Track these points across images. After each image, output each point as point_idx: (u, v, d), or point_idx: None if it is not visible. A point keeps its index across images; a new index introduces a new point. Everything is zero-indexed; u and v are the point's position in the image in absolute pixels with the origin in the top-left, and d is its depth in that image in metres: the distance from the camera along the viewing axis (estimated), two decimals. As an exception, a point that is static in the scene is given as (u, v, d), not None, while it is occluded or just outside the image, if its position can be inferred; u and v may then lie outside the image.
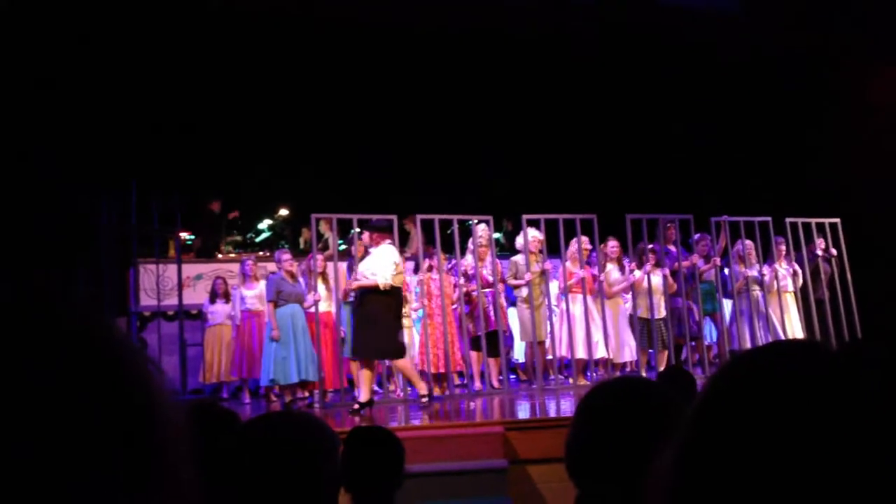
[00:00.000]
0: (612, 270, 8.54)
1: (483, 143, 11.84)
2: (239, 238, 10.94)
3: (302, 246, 10.66)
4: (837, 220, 9.45)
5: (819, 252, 9.29)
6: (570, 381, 8.31)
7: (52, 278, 0.54)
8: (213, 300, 9.01)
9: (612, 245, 8.60)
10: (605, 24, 10.61)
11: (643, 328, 8.38)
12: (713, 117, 11.65)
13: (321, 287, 7.69)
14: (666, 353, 8.42)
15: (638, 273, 8.41)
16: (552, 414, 6.25)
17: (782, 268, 9.06)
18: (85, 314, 0.52)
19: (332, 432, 1.80)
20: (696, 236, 8.86)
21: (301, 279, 7.73)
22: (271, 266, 8.83)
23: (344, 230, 8.71)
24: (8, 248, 8.13)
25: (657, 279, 8.46)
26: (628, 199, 9.63)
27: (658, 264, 8.55)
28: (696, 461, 0.64)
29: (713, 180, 11.29)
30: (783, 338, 8.75)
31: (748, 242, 8.89)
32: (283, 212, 11.55)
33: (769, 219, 9.06)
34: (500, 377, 8.26)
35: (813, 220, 9.35)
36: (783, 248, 9.09)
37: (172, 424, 0.55)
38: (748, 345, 8.69)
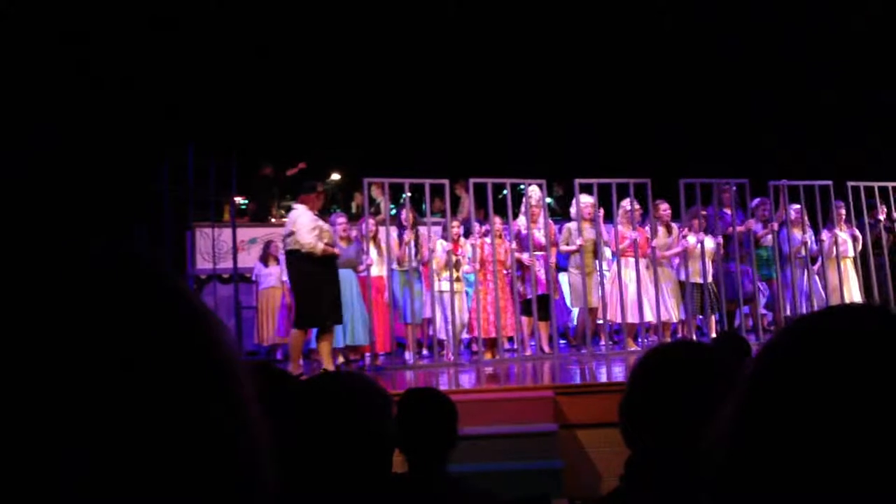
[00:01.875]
0: (661, 234, 8.43)
1: (535, 107, 11.73)
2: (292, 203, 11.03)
3: (354, 210, 10.73)
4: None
5: (881, 217, 9.03)
6: (621, 346, 8.26)
7: (121, 242, 0.56)
8: (265, 263, 9.16)
9: (664, 208, 8.48)
10: None
11: (692, 292, 8.29)
12: (771, 81, 11.38)
13: (373, 251, 7.75)
14: (713, 317, 8.32)
15: (692, 239, 8.28)
16: (602, 379, 6.24)
17: (842, 233, 8.85)
18: (174, 277, 0.55)
19: (385, 392, 1.82)
20: (756, 201, 8.69)
21: (355, 243, 7.76)
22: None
23: (395, 195, 8.76)
24: (74, 212, 8.35)
25: (709, 244, 8.33)
26: (683, 163, 9.48)
27: (708, 230, 8.41)
28: (754, 423, 0.64)
29: (774, 144, 11.05)
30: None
31: (796, 207, 8.68)
32: (336, 176, 11.63)
33: (830, 183, 8.84)
34: (551, 342, 8.25)
35: (876, 184, 9.08)
36: (843, 212, 8.86)
37: (248, 382, 0.58)
38: (803, 311, 8.54)
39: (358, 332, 7.41)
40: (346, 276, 7.36)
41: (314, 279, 6.66)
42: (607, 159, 10.20)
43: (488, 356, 7.84)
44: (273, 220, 10.48)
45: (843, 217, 8.87)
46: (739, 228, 8.51)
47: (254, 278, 9.35)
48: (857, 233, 8.90)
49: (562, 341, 8.89)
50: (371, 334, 7.43)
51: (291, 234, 6.68)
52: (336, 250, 6.91)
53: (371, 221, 7.86)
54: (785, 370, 0.63)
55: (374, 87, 11.38)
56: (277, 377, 2.59)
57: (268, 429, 0.59)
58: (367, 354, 7.62)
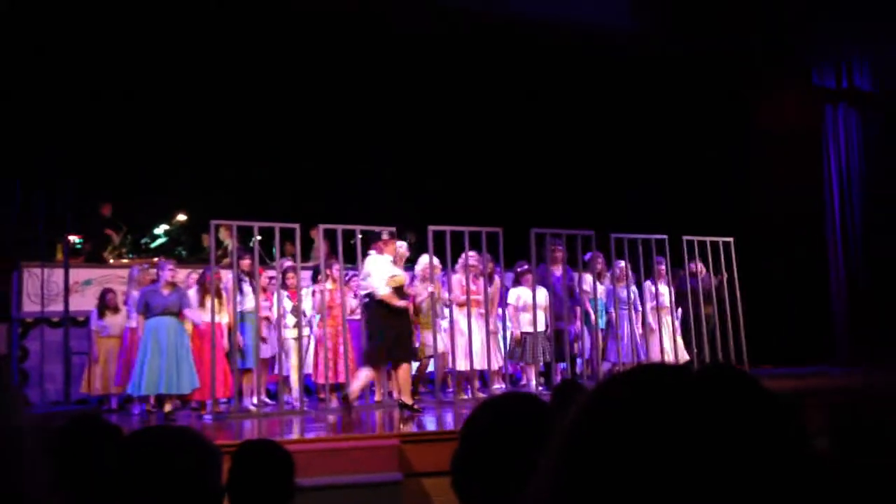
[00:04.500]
0: (495, 285, 8.65)
1: (388, 153, 11.80)
2: (120, 244, 10.43)
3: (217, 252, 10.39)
4: (731, 238, 9.81)
5: (696, 272, 9.63)
6: (469, 393, 8.34)
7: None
8: (101, 314, 8.64)
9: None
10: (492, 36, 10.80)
11: (523, 342, 8.54)
12: (611, 133, 11.98)
13: (217, 297, 7.54)
14: (537, 367, 8.62)
15: (524, 290, 8.57)
16: (448, 427, 6.26)
17: (662, 287, 9.38)
18: None
19: (212, 445, 1.74)
20: (588, 255, 9.06)
21: (176, 291, 7.52)
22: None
23: (244, 238, 8.55)
24: None
25: (540, 294, 8.61)
26: (536, 213, 9.78)
27: (538, 281, 8.72)
28: (563, 481, 0.64)
29: (614, 197, 11.59)
30: (661, 356, 9.08)
31: (621, 263, 9.14)
32: (181, 217, 11.23)
33: (665, 237, 9.36)
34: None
35: (708, 239, 9.68)
36: (663, 267, 9.41)
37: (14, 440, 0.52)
38: (630, 360, 9.00)
39: (181, 379, 7.20)
40: (166, 324, 7.24)
41: (385, 321, 7.07)
42: (463, 208, 10.38)
43: (334, 403, 7.73)
44: (111, 261, 9.95)
45: (663, 272, 9.41)
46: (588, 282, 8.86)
47: (92, 327, 8.81)
48: (680, 286, 9.50)
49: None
50: (195, 381, 7.26)
51: (367, 277, 7.20)
52: (401, 303, 7.22)
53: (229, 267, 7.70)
54: (580, 435, 0.64)
55: (224, 125, 11.10)
56: (102, 431, 2.45)
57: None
58: (208, 402, 7.34)
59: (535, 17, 10.64)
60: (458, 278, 8.36)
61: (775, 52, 11.83)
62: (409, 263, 9.41)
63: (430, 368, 8.75)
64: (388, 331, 7.06)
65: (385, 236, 7.36)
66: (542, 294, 8.67)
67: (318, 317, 8.05)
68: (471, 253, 8.32)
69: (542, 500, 0.65)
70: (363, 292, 7.37)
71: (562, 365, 8.66)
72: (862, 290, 12.20)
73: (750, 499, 0.57)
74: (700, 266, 9.64)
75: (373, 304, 7.12)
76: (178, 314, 7.36)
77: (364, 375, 7.29)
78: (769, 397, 0.64)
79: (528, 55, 11.18)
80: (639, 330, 9.26)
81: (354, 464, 5.29)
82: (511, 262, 9.14)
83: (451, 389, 8.36)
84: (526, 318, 8.55)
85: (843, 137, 12.57)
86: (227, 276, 7.78)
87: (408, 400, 7.13)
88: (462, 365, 8.18)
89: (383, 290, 7.04)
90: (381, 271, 7.11)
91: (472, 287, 8.29)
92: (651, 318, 9.30)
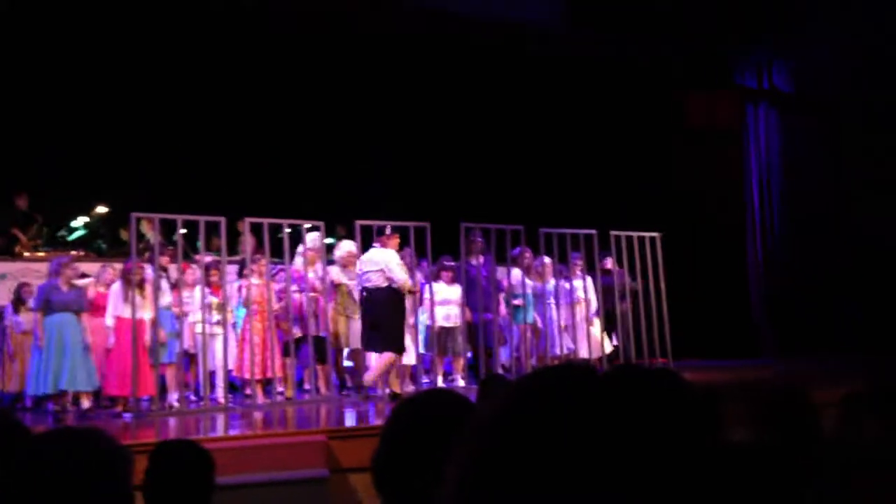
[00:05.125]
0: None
1: (317, 147, 11.66)
2: (35, 235, 10.03)
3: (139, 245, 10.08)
4: (657, 234, 9.98)
5: (609, 267, 9.78)
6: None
7: None
8: (16, 309, 8.34)
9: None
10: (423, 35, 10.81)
11: (442, 335, 8.58)
12: (542, 130, 12.09)
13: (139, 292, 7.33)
14: (462, 360, 8.68)
15: (441, 285, 8.63)
16: (374, 422, 6.23)
17: (578, 282, 9.49)
18: None
19: (121, 447, 1.67)
20: (517, 249, 9.11)
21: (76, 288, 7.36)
22: (85, 266, 8.31)
23: (168, 231, 8.33)
24: None
25: (454, 290, 8.69)
26: (466, 207, 9.80)
27: (455, 277, 8.77)
28: (472, 480, 0.62)
29: (545, 191, 11.68)
30: (584, 351, 9.22)
31: (546, 259, 9.23)
32: (101, 209, 10.89)
33: (594, 231, 9.46)
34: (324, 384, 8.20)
35: (635, 234, 9.83)
36: (579, 263, 9.50)
37: None
38: (556, 353, 9.10)
39: (79, 377, 7.07)
40: (65, 321, 7.13)
41: (397, 309, 7.56)
42: (393, 201, 10.34)
43: (260, 399, 7.62)
44: (27, 254, 9.58)
45: (580, 267, 9.49)
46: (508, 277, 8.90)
47: (6, 322, 8.48)
48: (598, 282, 9.62)
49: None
50: (94, 380, 7.15)
51: (379, 271, 7.50)
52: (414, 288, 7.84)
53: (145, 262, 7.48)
54: (489, 432, 0.63)
55: (147, 114, 10.79)
56: (10, 429, 2.34)
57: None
58: (130, 399, 7.13)
59: (468, 14, 10.66)
60: None
61: (700, 53, 12.12)
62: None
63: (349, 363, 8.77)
64: (398, 318, 7.58)
65: (388, 231, 7.80)
66: (458, 289, 8.73)
67: (243, 312, 7.91)
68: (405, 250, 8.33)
69: (451, 496, 0.65)
70: (366, 283, 7.61)
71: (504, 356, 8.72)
72: (780, 285, 12.58)
73: (654, 493, 0.57)
74: (617, 264, 9.78)
75: (383, 293, 7.50)
76: (78, 312, 7.22)
77: (385, 362, 7.54)
78: (674, 396, 0.65)
79: (460, 52, 11.19)
80: (565, 324, 9.35)
81: (280, 460, 5.21)
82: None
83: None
84: (442, 312, 8.57)
85: (763, 136, 12.95)
86: (150, 271, 7.55)
87: (376, 384, 7.63)
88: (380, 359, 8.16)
89: (404, 280, 7.53)
90: (398, 263, 7.57)
91: None
92: (571, 313, 9.39)
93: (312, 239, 8.19)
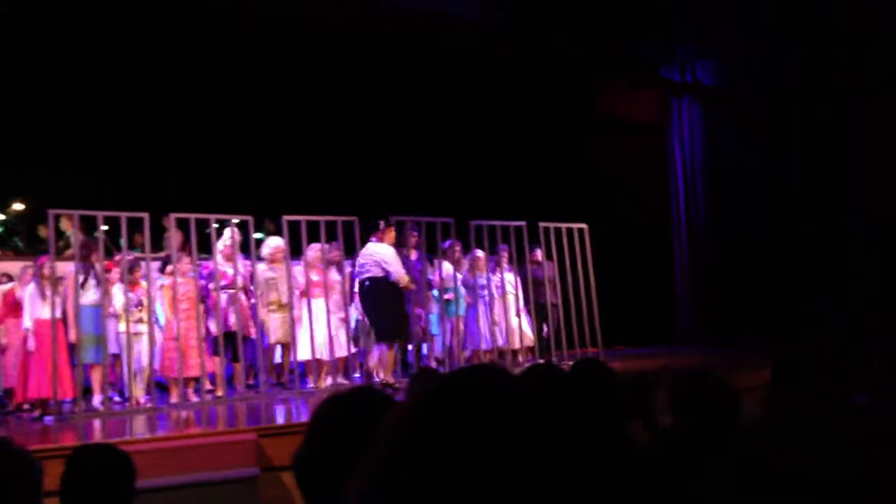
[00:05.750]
0: (333, 272, 8.59)
1: (244, 140, 11.46)
2: None
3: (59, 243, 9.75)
4: (585, 225, 10.11)
5: (539, 259, 9.89)
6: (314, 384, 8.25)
7: None
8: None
9: (335, 252, 8.62)
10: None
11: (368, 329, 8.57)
12: (474, 124, 12.13)
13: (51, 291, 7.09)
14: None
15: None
16: (306, 418, 6.15)
17: (507, 274, 9.55)
18: None
19: (27, 455, 1.60)
20: (447, 242, 9.13)
21: None
22: (2, 266, 8.03)
23: (88, 229, 8.07)
24: None
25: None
26: (395, 201, 9.76)
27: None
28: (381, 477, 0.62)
29: (474, 184, 11.73)
30: (511, 342, 9.30)
31: (477, 252, 9.27)
32: (18, 206, 10.50)
33: (524, 223, 9.54)
34: (252, 381, 8.11)
35: (563, 226, 9.94)
36: (505, 255, 9.54)
37: None
38: (490, 347, 9.17)
39: None
40: None
41: (397, 301, 7.84)
42: (321, 196, 10.23)
43: (189, 399, 7.48)
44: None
45: (506, 259, 9.55)
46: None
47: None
48: (526, 274, 9.70)
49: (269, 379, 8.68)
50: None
51: (376, 264, 7.76)
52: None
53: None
54: (404, 431, 0.62)
55: (68, 105, 10.42)
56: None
57: None
58: (51, 402, 6.90)
59: (387, 5, 10.61)
60: (299, 269, 8.29)
61: (625, 47, 12.31)
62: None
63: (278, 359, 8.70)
64: (400, 309, 7.90)
65: (383, 226, 8.00)
66: None
67: (166, 311, 7.74)
68: (315, 245, 8.26)
69: (362, 489, 0.64)
70: (365, 276, 7.84)
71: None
72: (702, 274, 12.90)
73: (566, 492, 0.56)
74: (545, 255, 9.89)
75: (381, 286, 7.76)
76: None
77: (387, 355, 7.85)
78: (588, 399, 0.65)
79: (388, 45, 11.13)
80: (496, 317, 9.40)
81: (209, 460, 5.11)
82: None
83: (310, 380, 8.26)
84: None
85: (687, 129, 13.23)
86: (65, 269, 7.32)
87: (390, 378, 7.77)
88: (309, 354, 8.09)
89: (401, 274, 7.75)
90: (394, 257, 7.82)
91: (315, 278, 8.22)
92: (503, 306, 9.44)
93: (228, 236, 8.09)
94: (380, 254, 7.84)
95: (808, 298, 10.66)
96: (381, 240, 7.98)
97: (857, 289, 10.99)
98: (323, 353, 8.10)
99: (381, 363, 7.90)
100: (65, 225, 8.72)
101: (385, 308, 7.81)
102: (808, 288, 11.27)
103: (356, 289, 8.29)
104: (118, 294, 7.58)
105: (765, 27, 12.10)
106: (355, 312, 8.58)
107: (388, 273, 7.75)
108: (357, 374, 8.60)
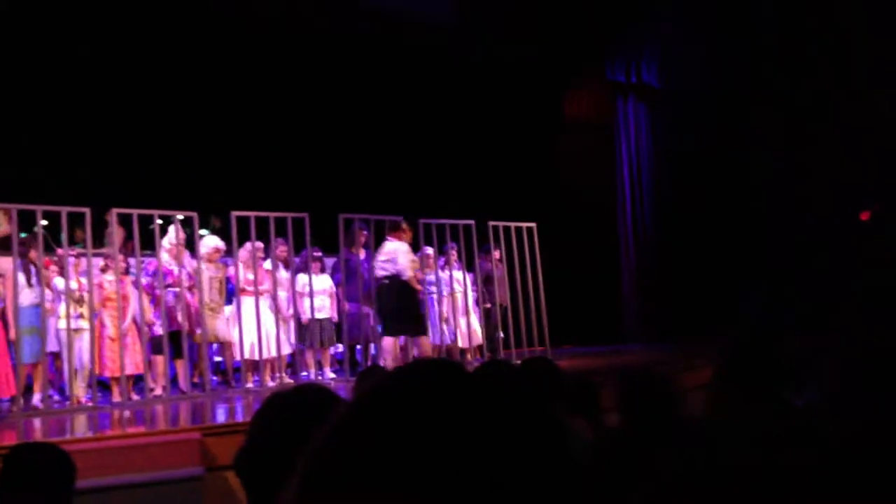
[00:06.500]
0: (280, 269, 8.59)
1: (195, 134, 11.27)
2: None
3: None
4: (534, 224, 10.18)
5: (498, 258, 9.98)
6: (258, 383, 8.18)
7: None
8: None
9: (282, 249, 8.55)
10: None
11: (308, 327, 8.56)
12: (423, 124, 12.13)
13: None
14: (327, 352, 8.80)
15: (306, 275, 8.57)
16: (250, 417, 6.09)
17: (456, 272, 9.59)
18: None
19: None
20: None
21: None
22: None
23: (26, 223, 7.86)
24: None
25: (323, 280, 8.78)
26: (344, 198, 9.72)
27: (323, 268, 8.92)
28: (316, 479, 0.61)
29: (424, 182, 11.73)
30: (461, 340, 9.34)
31: (427, 249, 9.29)
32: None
33: (473, 222, 9.57)
34: (197, 380, 8.00)
35: (512, 224, 10.00)
36: (454, 253, 9.58)
37: None
38: (436, 342, 9.19)
39: None
40: None
41: (411, 298, 8.16)
42: (272, 193, 10.13)
43: (131, 398, 7.35)
44: None
45: (455, 257, 9.59)
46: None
47: None
48: (479, 272, 9.75)
49: (214, 378, 8.59)
50: None
51: (390, 262, 8.08)
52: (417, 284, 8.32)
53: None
54: (347, 427, 0.61)
55: (4, 95, 10.11)
56: None
57: None
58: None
59: (358, 4, 10.58)
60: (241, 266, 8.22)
61: (575, 48, 12.44)
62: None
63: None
64: (414, 306, 8.21)
65: (403, 225, 8.32)
66: (326, 280, 8.79)
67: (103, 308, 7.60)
68: (258, 243, 8.21)
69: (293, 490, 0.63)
70: (382, 273, 8.13)
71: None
72: (648, 273, 13.10)
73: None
74: (495, 253, 9.95)
75: (397, 284, 8.04)
76: None
77: (392, 344, 8.15)
78: (540, 392, 0.65)
79: (341, 42, 11.08)
80: (445, 314, 9.43)
81: (152, 460, 5.02)
82: (326, 248, 9.10)
83: (257, 378, 8.18)
84: (308, 303, 8.53)
85: (633, 128, 13.42)
86: (3, 265, 7.13)
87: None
88: (249, 353, 8.02)
89: (410, 273, 8.02)
90: (407, 256, 8.08)
91: (249, 276, 8.16)
92: (452, 303, 9.48)
93: (173, 233, 7.97)
94: (393, 251, 8.11)
95: (740, 297, 10.93)
96: (398, 238, 8.22)
97: (787, 287, 11.29)
98: (254, 353, 8.01)
99: (386, 352, 8.12)
100: (0, 219, 8.47)
101: (397, 304, 8.05)
102: (743, 286, 11.54)
103: (333, 286, 8.63)
104: (61, 285, 7.39)
105: (707, 27, 12.36)
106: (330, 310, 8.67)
107: (399, 271, 8.02)
108: (305, 373, 8.54)
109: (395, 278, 8.07)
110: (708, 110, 12.95)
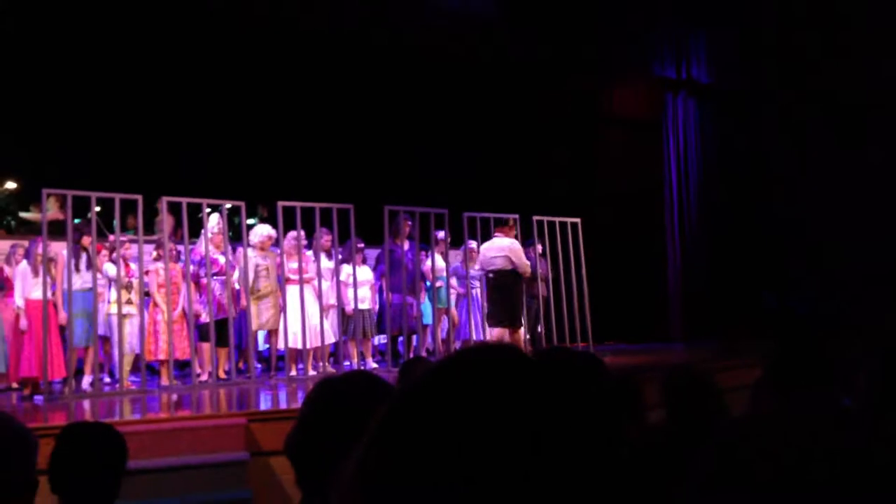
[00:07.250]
0: (324, 259, 8.61)
1: (241, 126, 11.42)
2: None
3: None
4: (578, 219, 10.12)
5: (541, 252, 9.91)
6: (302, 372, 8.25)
7: None
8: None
9: (326, 238, 8.60)
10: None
11: (352, 318, 8.60)
12: (468, 119, 12.12)
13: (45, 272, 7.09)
14: (369, 342, 8.93)
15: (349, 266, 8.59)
16: (297, 405, 6.17)
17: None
18: None
19: (23, 429, 1.60)
20: (440, 233, 9.13)
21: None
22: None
23: (80, 209, 8.03)
24: None
25: (367, 273, 8.88)
26: (389, 190, 9.77)
27: (364, 259, 8.96)
28: (375, 463, 0.61)
29: (471, 177, 11.73)
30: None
31: (471, 243, 9.26)
32: (11, 185, 10.44)
33: (517, 216, 9.52)
34: (241, 367, 8.12)
35: (557, 220, 9.95)
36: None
37: None
38: (479, 337, 9.19)
39: None
40: None
41: (521, 294, 8.59)
42: (316, 182, 10.21)
43: (179, 382, 7.49)
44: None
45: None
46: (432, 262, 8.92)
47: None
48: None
49: (259, 365, 8.69)
50: (6, 361, 7.00)
51: (504, 257, 8.33)
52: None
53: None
54: (398, 415, 0.62)
55: (62, 85, 10.34)
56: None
57: None
58: (42, 382, 6.90)
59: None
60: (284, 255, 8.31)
61: (620, 45, 12.31)
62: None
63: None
64: (520, 302, 8.56)
65: (511, 222, 8.65)
66: (367, 271, 8.89)
67: (157, 294, 7.74)
68: (291, 233, 8.26)
69: (349, 477, 0.63)
70: (493, 266, 8.36)
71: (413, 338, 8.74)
72: (693, 271, 12.95)
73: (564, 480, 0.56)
74: (537, 247, 9.90)
75: (507, 276, 8.31)
76: None
77: (504, 335, 8.33)
78: (596, 382, 0.65)
79: (396, 39, 11.10)
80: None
81: (199, 444, 5.11)
82: (369, 239, 9.17)
83: (301, 366, 8.26)
84: (352, 294, 8.58)
85: (681, 124, 13.26)
86: (57, 250, 7.29)
87: None
88: (293, 341, 8.10)
89: (526, 265, 8.36)
90: (521, 251, 8.43)
91: (293, 265, 8.22)
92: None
93: (215, 222, 8.07)
94: (508, 248, 8.35)
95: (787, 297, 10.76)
96: (506, 235, 8.47)
97: (834, 287, 11.08)
98: (298, 342, 8.09)
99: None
100: (52, 205, 8.65)
101: (508, 297, 8.30)
102: (790, 286, 11.36)
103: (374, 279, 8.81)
104: (111, 270, 7.56)
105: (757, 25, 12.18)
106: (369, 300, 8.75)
107: (515, 265, 8.26)
108: (347, 363, 8.60)
109: (506, 272, 8.29)
110: (757, 108, 12.75)
